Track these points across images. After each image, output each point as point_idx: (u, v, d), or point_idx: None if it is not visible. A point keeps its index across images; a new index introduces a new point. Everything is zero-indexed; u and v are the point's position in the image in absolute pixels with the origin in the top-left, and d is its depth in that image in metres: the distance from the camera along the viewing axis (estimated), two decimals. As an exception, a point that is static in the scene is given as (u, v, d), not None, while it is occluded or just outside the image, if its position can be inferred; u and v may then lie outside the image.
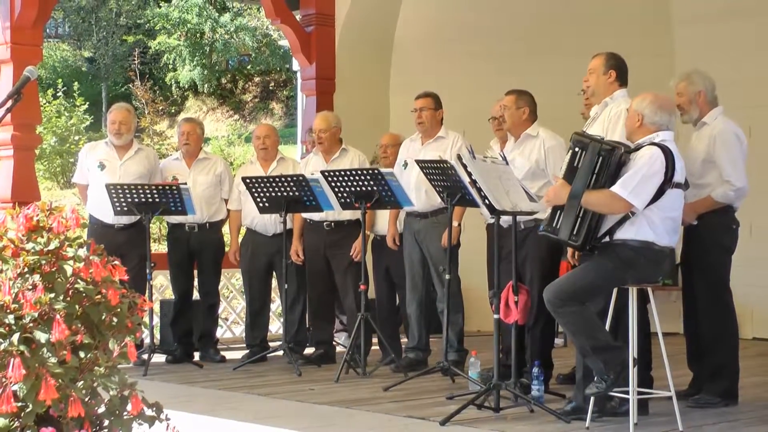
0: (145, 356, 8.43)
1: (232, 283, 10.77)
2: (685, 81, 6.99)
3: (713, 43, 10.79)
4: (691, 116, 6.96)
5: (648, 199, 5.80)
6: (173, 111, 34.82)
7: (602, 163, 5.86)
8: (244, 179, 8.64)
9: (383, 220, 8.77)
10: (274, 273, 9.30)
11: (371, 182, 8.00)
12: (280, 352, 8.78)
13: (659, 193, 5.82)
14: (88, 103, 29.04)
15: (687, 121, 6.98)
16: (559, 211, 5.99)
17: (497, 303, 6.64)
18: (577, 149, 5.94)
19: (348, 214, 8.65)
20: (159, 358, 8.93)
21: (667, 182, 5.82)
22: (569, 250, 6.63)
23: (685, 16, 11.18)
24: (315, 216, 8.79)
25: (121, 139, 8.95)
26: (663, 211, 5.88)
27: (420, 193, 8.19)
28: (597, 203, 5.86)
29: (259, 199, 8.56)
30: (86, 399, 3.59)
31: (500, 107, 7.71)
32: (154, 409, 3.75)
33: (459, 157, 6.68)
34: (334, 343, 9.27)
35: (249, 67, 37.30)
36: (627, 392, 5.85)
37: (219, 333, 9.85)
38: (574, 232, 5.88)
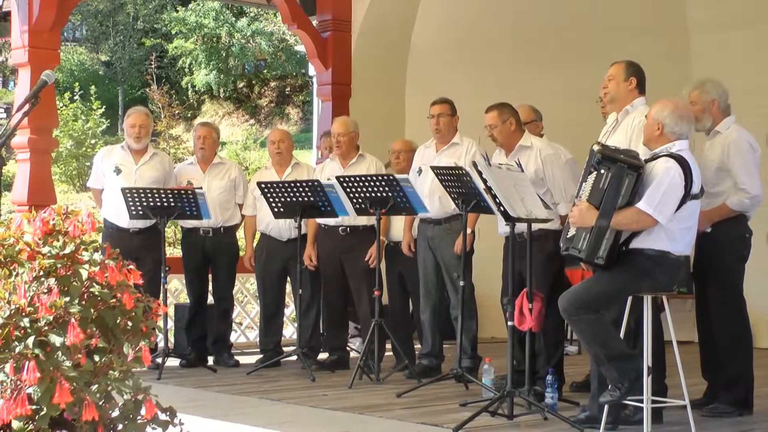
0: (159, 360, 8.45)
1: (246, 287, 10.79)
2: (698, 90, 6.97)
3: (729, 50, 10.76)
4: (705, 125, 6.93)
5: (671, 213, 5.79)
6: (189, 115, 34.85)
7: (628, 184, 5.82)
8: (259, 184, 8.65)
9: (397, 227, 8.77)
10: (288, 278, 9.31)
11: (386, 188, 7.99)
12: (294, 358, 8.80)
13: (679, 206, 5.81)
14: (104, 106, 29.09)
15: (700, 130, 6.95)
16: (585, 233, 5.93)
17: (511, 310, 6.64)
18: (602, 171, 5.87)
19: (363, 220, 8.65)
20: (173, 362, 8.94)
21: (687, 195, 5.81)
22: None
23: (701, 23, 11.15)
24: (330, 221, 8.78)
25: (140, 143, 8.98)
26: (681, 221, 5.86)
27: (434, 200, 8.19)
28: (626, 222, 5.83)
29: (274, 204, 8.57)
30: (100, 403, 3.60)
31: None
32: (168, 413, 3.76)
33: (474, 164, 6.68)
34: (347, 348, 9.27)
35: (265, 71, 37.33)
36: (641, 401, 5.83)
37: (233, 337, 9.86)
38: (600, 254, 5.85)
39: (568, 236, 6.04)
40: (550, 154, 7.44)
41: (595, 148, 5.96)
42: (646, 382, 5.80)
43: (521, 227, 6.81)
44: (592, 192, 5.89)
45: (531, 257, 6.77)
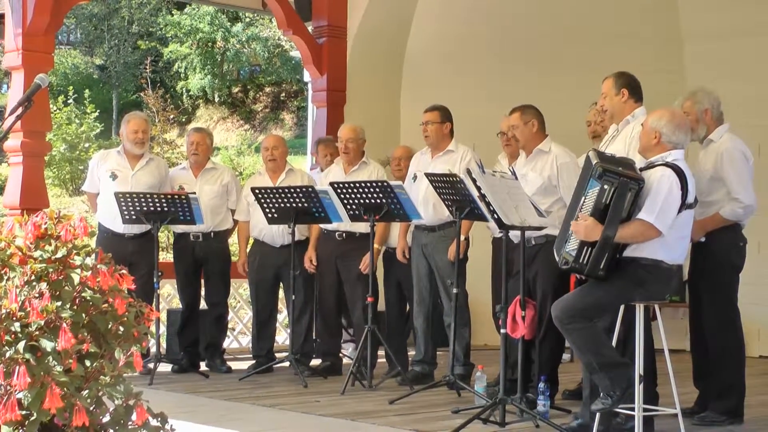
0: (151, 365, 8.44)
1: (239, 293, 10.76)
2: (690, 100, 6.98)
3: (723, 61, 10.78)
4: (699, 134, 6.94)
5: (670, 223, 5.79)
6: (183, 120, 34.87)
7: (630, 198, 5.80)
8: (253, 190, 8.63)
9: (395, 234, 8.75)
10: (281, 284, 9.29)
11: (380, 195, 7.99)
12: (287, 363, 8.79)
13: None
14: (98, 110, 29.09)
15: (695, 139, 6.95)
16: (587, 248, 5.91)
17: (504, 317, 6.64)
18: (605, 186, 5.84)
19: (362, 226, 8.60)
20: (165, 367, 8.93)
21: (682, 204, 5.82)
22: None
23: (696, 34, 11.16)
24: (328, 226, 8.78)
25: (143, 148, 8.96)
26: (676, 230, 5.86)
27: (428, 207, 8.18)
28: (631, 236, 5.80)
29: (268, 210, 8.56)
30: (91, 408, 3.59)
31: (509, 127, 7.63)
32: (159, 419, 3.75)
33: (468, 171, 6.67)
34: (340, 355, 9.26)
35: (260, 77, 37.36)
36: (633, 409, 5.83)
37: (226, 343, 9.84)
38: (601, 268, 5.84)
39: (567, 250, 5.99)
40: (567, 162, 7.35)
41: (592, 159, 5.92)
42: (638, 390, 5.80)
43: (528, 234, 6.82)
44: (595, 207, 5.84)
45: (526, 265, 6.78)
